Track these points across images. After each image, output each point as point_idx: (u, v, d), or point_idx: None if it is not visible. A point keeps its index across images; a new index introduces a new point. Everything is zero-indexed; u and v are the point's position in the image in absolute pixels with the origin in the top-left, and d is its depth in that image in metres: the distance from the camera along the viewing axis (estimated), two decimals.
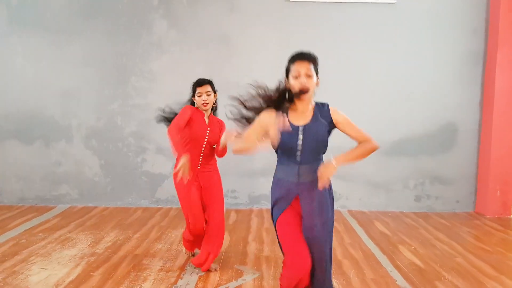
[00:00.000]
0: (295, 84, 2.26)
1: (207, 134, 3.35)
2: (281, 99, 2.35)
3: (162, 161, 5.51)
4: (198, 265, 3.40)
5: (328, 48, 5.37)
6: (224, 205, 3.57)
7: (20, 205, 5.51)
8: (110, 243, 4.09)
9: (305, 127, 2.30)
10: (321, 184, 2.24)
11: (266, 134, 2.30)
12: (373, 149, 2.34)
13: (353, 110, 5.27)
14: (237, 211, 5.45)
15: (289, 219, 2.35)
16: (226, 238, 4.20)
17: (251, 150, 2.28)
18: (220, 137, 3.35)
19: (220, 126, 3.46)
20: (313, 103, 2.36)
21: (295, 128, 2.29)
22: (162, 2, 5.44)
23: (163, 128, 3.57)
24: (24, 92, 5.46)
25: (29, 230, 4.46)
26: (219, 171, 3.54)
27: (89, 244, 4.04)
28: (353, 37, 5.46)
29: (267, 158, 5.01)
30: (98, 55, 5.45)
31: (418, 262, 3.75)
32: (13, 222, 4.76)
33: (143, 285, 3.17)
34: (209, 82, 3.38)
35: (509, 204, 5.41)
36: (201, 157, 3.36)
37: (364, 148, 2.33)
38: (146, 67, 5.48)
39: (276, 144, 2.28)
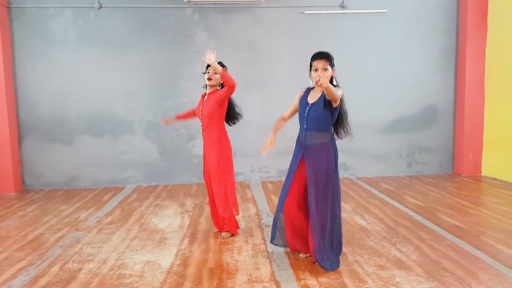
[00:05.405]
0: (314, 76, 2.90)
1: (201, 109, 3.97)
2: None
3: None
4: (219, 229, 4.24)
5: (335, 49, 6.79)
6: (235, 177, 4.39)
7: (95, 187, 6.75)
8: (193, 205, 5.45)
9: (312, 104, 3.23)
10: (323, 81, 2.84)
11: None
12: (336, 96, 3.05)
13: (357, 98, 7.06)
14: (271, 182, 6.87)
15: (290, 173, 3.40)
16: (274, 199, 5.59)
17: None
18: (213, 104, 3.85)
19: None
20: None
21: (306, 104, 3.26)
22: (202, 17, 6.76)
23: None
24: (94, 95, 6.68)
25: (121, 202, 5.73)
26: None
27: (179, 206, 5.40)
28: (355, 39, 6.92)
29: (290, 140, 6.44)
30: (152, 63, 6.73)
31: (419, 203, 5.29)
32: (102, 198, 5.99)
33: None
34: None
35: (479, 165, 7.04)
36: (201, 129, 4.02)
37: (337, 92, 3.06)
38: (191, 71, 6.77)
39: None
